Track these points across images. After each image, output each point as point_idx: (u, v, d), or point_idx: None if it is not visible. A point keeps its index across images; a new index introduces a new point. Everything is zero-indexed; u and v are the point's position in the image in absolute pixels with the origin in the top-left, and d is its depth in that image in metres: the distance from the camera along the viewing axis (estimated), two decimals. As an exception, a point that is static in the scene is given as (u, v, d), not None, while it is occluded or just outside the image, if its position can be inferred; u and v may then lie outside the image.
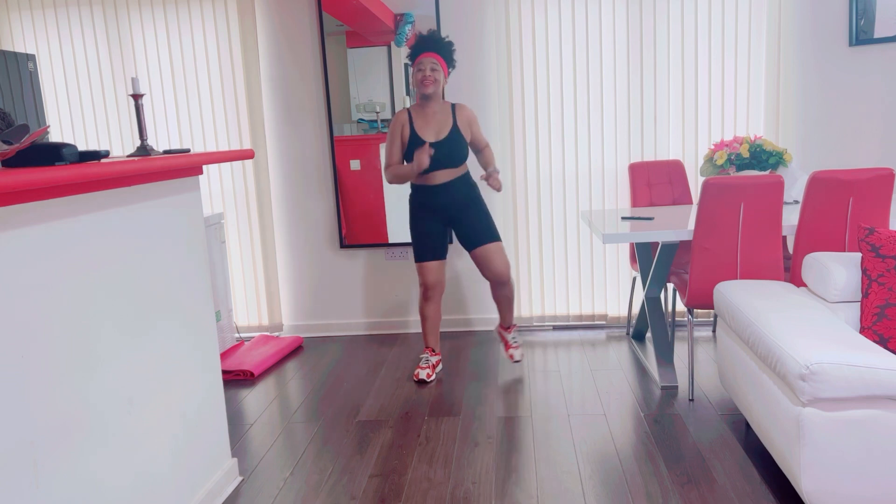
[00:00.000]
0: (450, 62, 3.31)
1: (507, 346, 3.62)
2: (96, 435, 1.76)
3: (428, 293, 3.45)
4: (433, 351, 3.53)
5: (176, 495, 2.13)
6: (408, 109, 3.36)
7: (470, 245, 3.41)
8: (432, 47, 3.25)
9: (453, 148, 3.27)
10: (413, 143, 3.29)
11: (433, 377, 3.44)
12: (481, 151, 3.43)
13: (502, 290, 3.48)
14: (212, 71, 4.12)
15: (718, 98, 3.90)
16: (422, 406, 3.12)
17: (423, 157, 3.16)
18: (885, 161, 3.87)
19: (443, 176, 3.32)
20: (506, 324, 3.62)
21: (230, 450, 2.57)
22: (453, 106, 3.34)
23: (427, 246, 3.40)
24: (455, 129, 3.29)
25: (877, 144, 3.86)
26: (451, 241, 4.17)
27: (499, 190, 3.24)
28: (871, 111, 3.83)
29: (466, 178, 3.40)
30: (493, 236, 3.39)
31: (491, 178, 3.24)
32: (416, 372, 3.44)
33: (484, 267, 3.40)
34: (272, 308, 4.31)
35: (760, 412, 2.27)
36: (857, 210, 2.81)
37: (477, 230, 3.38)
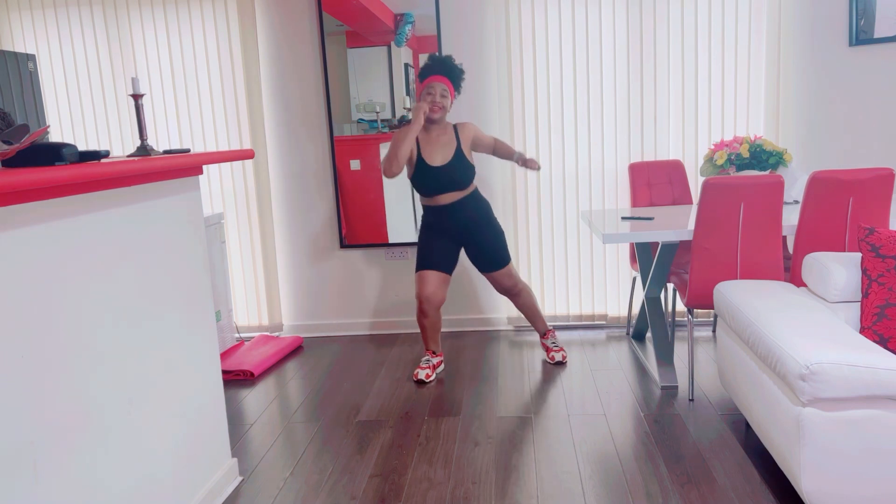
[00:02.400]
0: (458, 88, 3.34)
1: (548, 351, 3.62)
2: (96, 435, 1.76)
3: (423, 306, 3.39)
4: (434, 353, 3.53)
5: (176, 495, 2.13)
6: None
7: (480, 269, 3.50)
8: (444, 72, 3.27)
9: (459, 171, 3.29)
10: (420, 168, 3.31)
11: (432, 377, 3.44)
12: (494, 149, 3.42)
13: (517, 300, 3.56)
14: (212, 71, 4.12)
15: (718, 98, 3.89)
16: (422, 406, 3.12)
17: (422, 106, 3.24)
18: (885, 161, 3.87)
19: (450, 196, 3.35)
20: (541, 331, 3.67)
21: (230, 450, 2.57)
22: (455, 127, 3.36)
23: (427, 256, 3.40)
24: (459, 152, 3.31)
25: (877, 144, 3.86)
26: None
27: (539, 168, 3.29)
28: (871, 111, 3.83)
29: (475, 196, 3.40)
30: (502, 262, 3.44)
31: (525, 163, 3.28)
32: (415, 372, 3.44)
33: (493, 285, 3.54)
34: (272, 308, 4.31)
35: (760, 412, 2.27)
36: (857, 210, 2.81)
37: (486, 255, 3.43)
